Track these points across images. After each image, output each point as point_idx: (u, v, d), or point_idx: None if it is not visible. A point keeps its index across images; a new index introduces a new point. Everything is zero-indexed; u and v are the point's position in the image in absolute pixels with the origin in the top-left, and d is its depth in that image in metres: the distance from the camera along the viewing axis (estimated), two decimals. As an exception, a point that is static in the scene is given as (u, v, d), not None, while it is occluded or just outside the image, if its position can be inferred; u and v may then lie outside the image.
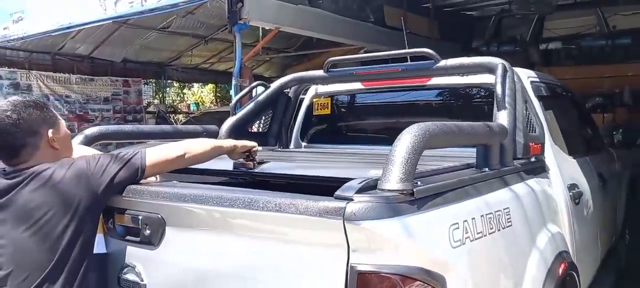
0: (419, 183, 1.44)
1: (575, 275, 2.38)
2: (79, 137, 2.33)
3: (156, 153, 1.75)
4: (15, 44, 8.64)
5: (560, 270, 2.13)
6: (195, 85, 14.34)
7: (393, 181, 1.37)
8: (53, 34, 7.43)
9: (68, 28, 6.89)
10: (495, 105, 2.31)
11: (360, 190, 1.35)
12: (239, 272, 1.48)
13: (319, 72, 3.22)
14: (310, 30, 5.42)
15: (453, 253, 1.45)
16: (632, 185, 4.59)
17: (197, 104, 13.43)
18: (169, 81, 12.16)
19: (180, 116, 12.40)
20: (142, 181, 1.72)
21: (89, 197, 1.59)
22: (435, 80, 3.07)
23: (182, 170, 1.88)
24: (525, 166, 2.31)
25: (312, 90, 3.63)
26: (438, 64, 2.75)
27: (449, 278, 1.40)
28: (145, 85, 11.52)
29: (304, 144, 3.66)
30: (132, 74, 10.64)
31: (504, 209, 1.82)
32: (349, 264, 1.31)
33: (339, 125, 3.69)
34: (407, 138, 1.44)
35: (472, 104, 3.16)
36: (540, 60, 8.34)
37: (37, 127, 1.67)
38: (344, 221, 1.29)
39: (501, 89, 2.29)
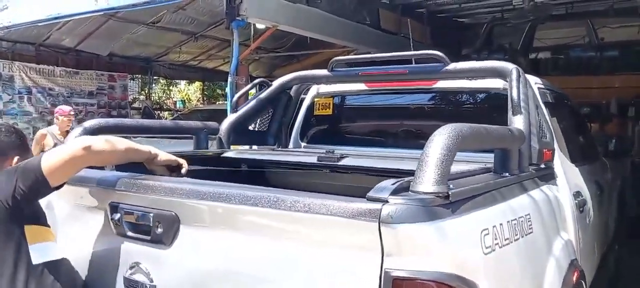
0: (451, 185, 1.39)
1: (584, 284, 2.36)
2: (78, 130, 2.22)
3: (52, 155, 1.63)
4: (-2, 34, 8.40)
5: (574, 278, 2.11)
6: (182, 82, 14.15)
7: (428, 183, 1.31)
8: (40, 24, 7.21)
9: (56, 18, 6.69)
10: (510, 110, 2.27)
11: (394, 192, 1.29)
12: (261, 275, 1.40)
13: (323, 72, 3.16)
14: (308, 30, 5.35)
15: (485, 260, 1.40)
16: (621, 195, 4.63)
17: (183, 102, 13.24)
18: (155, 77, 11.96)
19: (166, 113, 12.20)
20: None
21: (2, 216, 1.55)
22: (441, 84, 3.03)
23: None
24: (539, 172, 2.28)
25: (314, 89, 3.57)
26: (447, 67, 2.71)
27: (481, 286, 1.34)
28: (131, 81, 11.31)
29: (303, 144, 3.59)
30: (117, 69, 10.43)
31: (526, 215, 1.79)
32: (383, 269, 1.24)
33: (340, 126, 3.63)
34: (440, 138, 1.39)
35: (477, 109, 3.13)
36: (529, 69, 8.40)
37: (7, 150, 1.75)
38: (379, 224, 1.22)
39: (516, 93, 2.26)
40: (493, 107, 3.04)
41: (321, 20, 5.48)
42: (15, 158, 1.76)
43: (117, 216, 1.65)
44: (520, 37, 8.37)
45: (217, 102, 12.77)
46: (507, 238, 1.57)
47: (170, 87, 14.32)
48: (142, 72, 11.46)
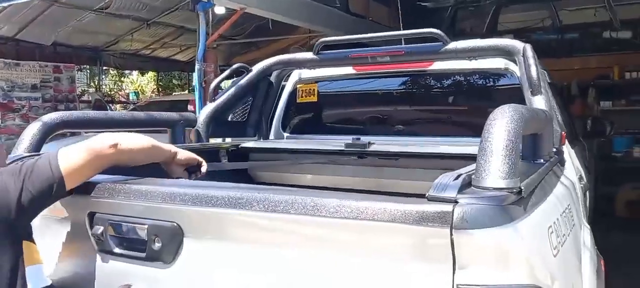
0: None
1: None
2: (36, 125, 1.86)
3: (73, 152, 1.33)
4: None
5: (603, 268, 1.97)
6: (134, 72, 13.39)
7: (496, 176, 1.09)
8: (-27, 11, 6.53)
9: (-7, 4, 6.04)
10: (527, 90, 2.10)
11: (460, 189, 1.06)
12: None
13: (308, 55, 2.90)
14: (277, 13, 5.04)
15: (554, 263, 1.20)
16: (596, 176, 4.65)
17: (136, 93, 12.54)
18: (105, 68, 11.22)
19: (118, 106, 11.49)
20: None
21: None
22: (438, 65, 2.85)
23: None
24: (558, 157, 2.12)
25: (295, 75, 3.30)
26: (447, 46, 2.52)
27: (555, 294, 1.14)
28: (79, 72, 10.54)
29: (286, 134, 3.33)
30: (63, 59, 9.67)
31: (568, 205, 1.61)
32: (456, 285, 1.01)
33: (326, 114, 3.38)
34: (504, 122, 1.16)
35: (476, 90, 2.96)
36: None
37: None
38: (451, 230, 0.99)
39: (535, 71, 2.09)
40: (493, 88, 2.89)
41: (290, 3, 5.18)
42: None
43: (100, 229, 1.33)
44: (485, 21, 8.37)
45: (174, 93, 12.18)
46: (564, 234, 1.38)
47: (122, 78, 13.53)
48: (91, 62, 10.72)
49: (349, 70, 3.09)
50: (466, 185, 1.11)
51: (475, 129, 2.90)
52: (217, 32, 4.70)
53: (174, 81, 13.42)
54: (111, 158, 1.37)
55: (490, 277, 1.02)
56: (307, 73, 3.22)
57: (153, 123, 2.50)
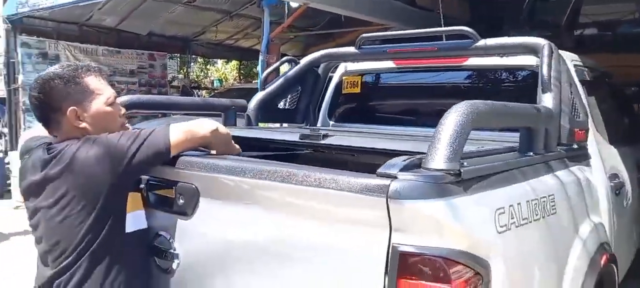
0: (465, 163, 1.37)
1: (615, 268, 2.29)
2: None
3: (181, 130, 1.61)
4: (43, 14, 8.68)
5: (602, 262, 2.05)
6: (219, 61, 14.31)
7: (439, 160, 1.30)
8: (81, 4, 7.46)
9: (96, -2, 6.89)
10: (540, 87, 2.20)
11: (405, 168, 1.29)
12: (273, 246, 1.44)
13: (351, 49, 3.14)
14: (340, 7, 5.28)
15: (498, 238, 1.38)
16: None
17: (220, 80, 13.43)
18: (193, 56, 12.14)
19: (204, 92, 12.40)
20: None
21: (109, 178, 1.51)
22: (472, 61, 2.97)
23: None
24: (569, 153, 2.21)
25: (342, 67, 3.55)
26: (477, 44, 2.65)
27: (493, 264, 1.33)
28: (170, 60, 11.52)
29: (331, 123, 3.60)
30: (157, 48, 10.64)
31: (549, 196, 1.74)
32: (391, 244, 1.25)
33: (369, 105, 3.61)
34: (454, 116, 1.37)
35: (508, 87, 3.05)
36: (573, 46, 8.04)
37: (58, 103, 1.61)
38: (387, 199, 1.23)
39: (547, 70, 2.18)
40: (525, 85, 2.95)
41: (353, -2, 5.40)
42: (70, 110, 1.60)
43: (144, 188, 1.72)
44: (565, 12, 8.00)
45: (253, 81, 12.90)
46: (526, 218, 1.54)
47: (208, 66, 14.53)
48: (181, 51, 11.67)
49: (390, 64, 3.29)
50: (415, 166, 1.33)
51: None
52: (280, 27, 5.04)
53: (254, 70, 14.20)
54: (206, 141, 1.67)
55: (421, 240, 1.24)
56: (352, 66, 3.47)
57: (208, 108, 2.90)
